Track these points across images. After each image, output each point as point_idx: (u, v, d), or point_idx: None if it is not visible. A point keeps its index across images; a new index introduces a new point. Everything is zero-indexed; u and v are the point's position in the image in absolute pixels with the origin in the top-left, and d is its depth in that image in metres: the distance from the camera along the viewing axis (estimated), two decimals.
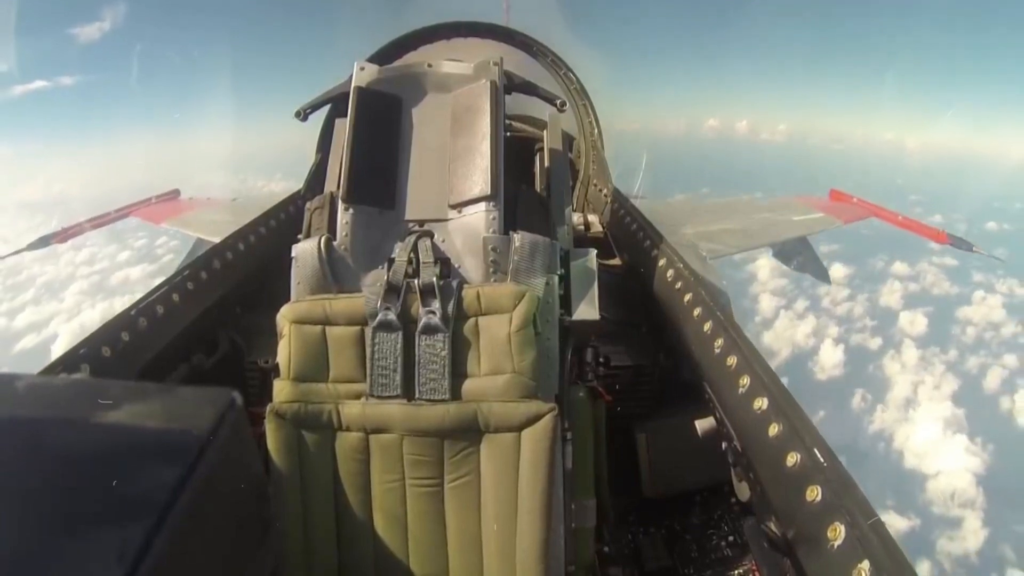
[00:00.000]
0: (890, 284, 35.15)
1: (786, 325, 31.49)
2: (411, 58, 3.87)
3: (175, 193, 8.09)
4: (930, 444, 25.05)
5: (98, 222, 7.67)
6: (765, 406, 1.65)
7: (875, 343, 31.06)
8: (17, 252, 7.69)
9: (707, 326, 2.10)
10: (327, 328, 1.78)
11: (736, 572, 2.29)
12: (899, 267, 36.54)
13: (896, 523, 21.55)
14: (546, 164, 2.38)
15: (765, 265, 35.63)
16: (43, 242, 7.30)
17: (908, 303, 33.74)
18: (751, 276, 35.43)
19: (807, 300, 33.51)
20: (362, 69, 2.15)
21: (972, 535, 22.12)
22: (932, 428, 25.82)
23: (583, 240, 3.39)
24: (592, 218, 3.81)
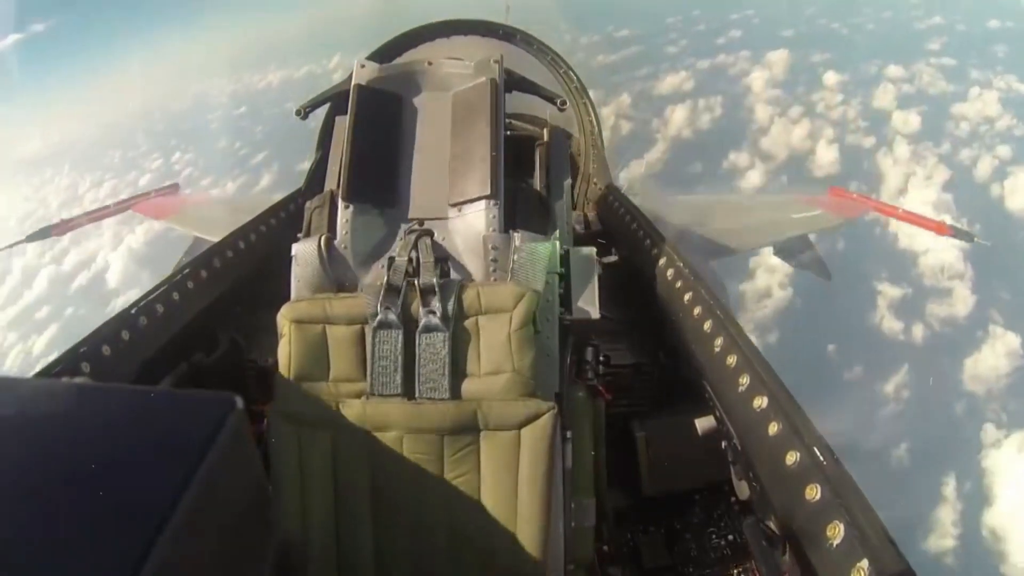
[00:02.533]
0: (884, 87, 34.76)
1: (781, 130, 32.01)
2: (411, 56, 3.89)
3: (175, 187, 8.29)
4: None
5: (96, 216, 7.96)
6: (765, 404, 1.67)
7: (869, 142, 31.62)
8: (15, 244, 7.94)
9: (707, 325, 2.10)
10: (327, 327, 1.79)
11: (736, 571, 2.29)
12: (893, 70, 36.04)
13: (889, 292, 23.40)
14: (546, 163, 2.40)
15: (759, 77, 35.81)
16: (42, 233, 7.51)
17: (902, 103, 33.40)
18: (746, 89, 35.65)
19: (801, 106, 33.81)
20: (362, 67, 2.17)
21: (961, 302, 23.74)
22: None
23: (583, 238, 3.37)
24: (592, 216, 3.84)
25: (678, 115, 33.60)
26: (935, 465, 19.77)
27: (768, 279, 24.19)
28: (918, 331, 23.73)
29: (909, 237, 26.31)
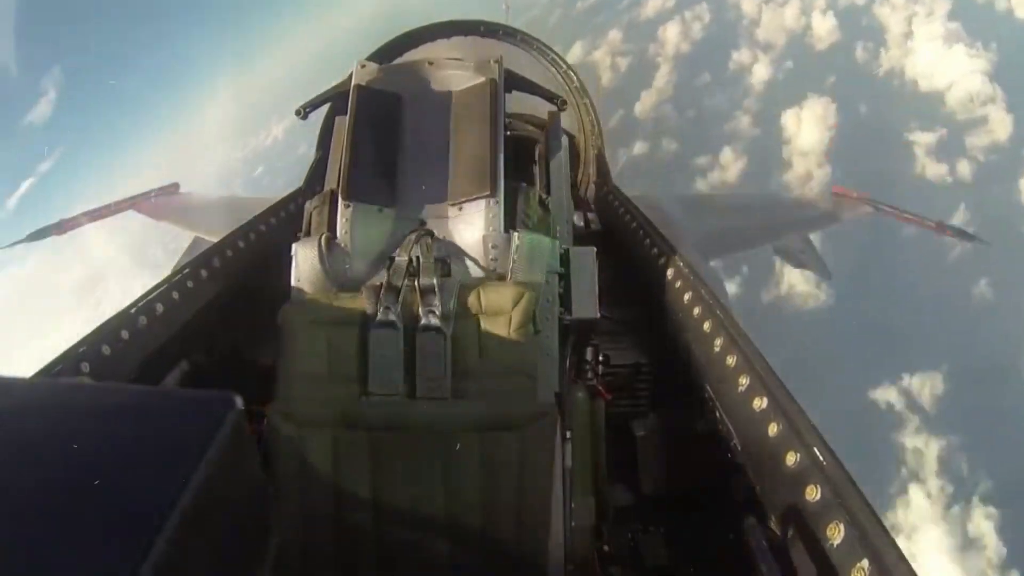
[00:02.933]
0: None
1: (772, 16, 31.79)
2: (412, 56, 3.90)
3: (175, 187, 8.07)
4: (934, 63, 26.08)
5: (96, 215, 7.77)
6: (765, 405, 1.66)
7: None
8: (14, 244, 7.70)
9: (707, 325, 2.10)
10: (327, 327, 1.79)
11: (736, 571, 2.25)
12: None
13: (923, 139, 23.36)
14: (546, 162, 2.40)
15: None
16: (42, 233, 7.37)
17: None
18: None
19: None
20: (363, 67, 2.18)
21: (1000, 126, 23.74)
22: (933, 47, 26.86)
23: (583, 238, 3.31)
24: (592, 216, 3.83)
25: (671, 33, 33.57)
26: (1020, 295, 19.72)
27: (804, 163, 24.30)
28: (964, 168, 23.56)
29: (928, 78, 25.92)
